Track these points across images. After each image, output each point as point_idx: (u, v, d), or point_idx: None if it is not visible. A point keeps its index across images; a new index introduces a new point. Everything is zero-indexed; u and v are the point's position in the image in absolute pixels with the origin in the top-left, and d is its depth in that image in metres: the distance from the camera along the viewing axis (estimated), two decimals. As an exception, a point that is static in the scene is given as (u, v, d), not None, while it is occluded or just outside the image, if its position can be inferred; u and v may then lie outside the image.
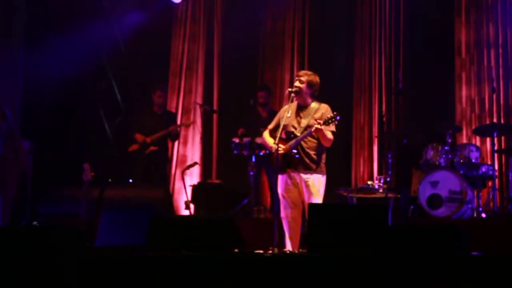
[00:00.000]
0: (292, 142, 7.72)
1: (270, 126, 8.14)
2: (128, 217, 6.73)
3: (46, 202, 10.08)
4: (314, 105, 7.93)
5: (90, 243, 6.52)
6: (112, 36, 11.25)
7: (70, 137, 11.37)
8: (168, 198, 10.82)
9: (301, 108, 7.95)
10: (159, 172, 11.20)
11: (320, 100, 8.00)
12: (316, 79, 7.98)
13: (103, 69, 10.86)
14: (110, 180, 9.89)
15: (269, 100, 11.20)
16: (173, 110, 12.26)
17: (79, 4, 11.44)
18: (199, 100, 12.30)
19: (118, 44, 9.47)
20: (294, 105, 7.95)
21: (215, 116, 12.33)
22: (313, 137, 7.74)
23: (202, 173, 12.14)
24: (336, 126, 7.72)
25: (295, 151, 7.70)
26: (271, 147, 7.75)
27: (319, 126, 7.51)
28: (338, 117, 7.58)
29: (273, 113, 9.30)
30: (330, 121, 7.57)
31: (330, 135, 7.69)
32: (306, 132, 7.70)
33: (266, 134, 8.13)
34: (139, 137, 10.90)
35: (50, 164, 10.70)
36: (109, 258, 5.90)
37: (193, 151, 12.33)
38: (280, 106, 8.15)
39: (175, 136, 11.44)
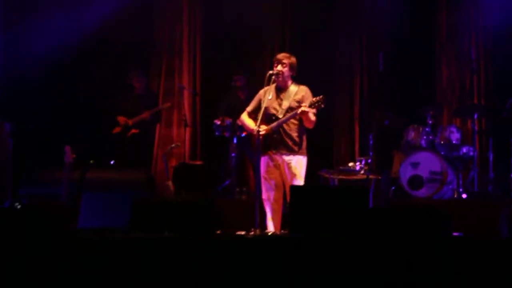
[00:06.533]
0: (275, 124, 7.73)
1: (249, 109, 8.10)
2: (109, 199, 6.75)
3: (28, 184, 10.05)
4: (293, 87, 7.93)
5: (72, 225, 6.52)
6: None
7: (51, 119, 11.30)
8: (150, 180, 10.80)
9: (281, 90, 7.94)
10: (141, 154, 11.16)
11: (302, 82, 8.00)
12: (295, 61, 7.98)
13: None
14: (91, 162, 9.86)
15: (246, 83, 11.17)
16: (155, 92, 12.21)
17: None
18: (182, 82, 12.24)
19: None
20: (273, 87, 7.93)
21: (197, 98, 12.30)
22: (295, 118, 7.76)
23: (184, 155, 12.12)
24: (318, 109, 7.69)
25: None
26: (253, 129, 7.75)
27: (305, 109, 7.52)
28: (325, 100, 7.54)
29: (251, 95, 9.21)
30: (316, 103, 7.51)
31: (313, 117, 7.68)
32: (290, 114, 7.71)
33: (244, 116, 8.09)
34: (121, 119, 10.90)
35: (32, 146, 10.68)
36: (91, 240, 5.89)
37: (177, 132, 12.26)
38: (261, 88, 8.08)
39: (152, 122, 11.33)
